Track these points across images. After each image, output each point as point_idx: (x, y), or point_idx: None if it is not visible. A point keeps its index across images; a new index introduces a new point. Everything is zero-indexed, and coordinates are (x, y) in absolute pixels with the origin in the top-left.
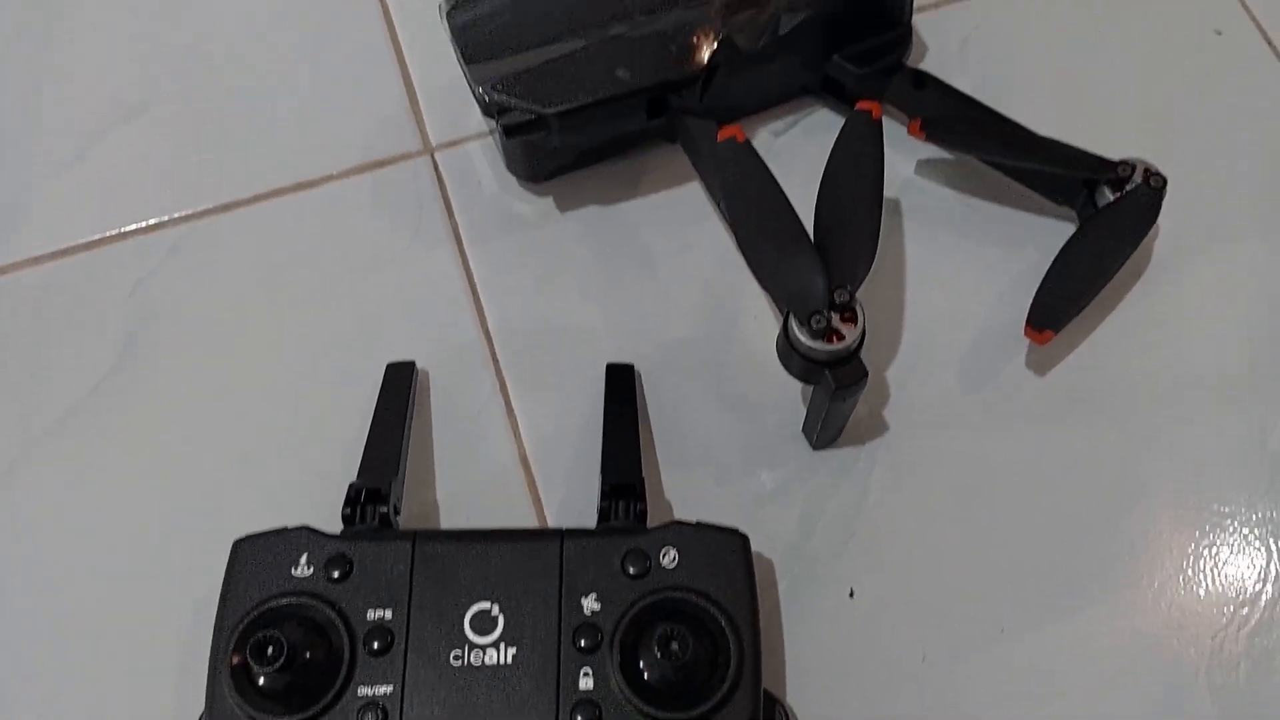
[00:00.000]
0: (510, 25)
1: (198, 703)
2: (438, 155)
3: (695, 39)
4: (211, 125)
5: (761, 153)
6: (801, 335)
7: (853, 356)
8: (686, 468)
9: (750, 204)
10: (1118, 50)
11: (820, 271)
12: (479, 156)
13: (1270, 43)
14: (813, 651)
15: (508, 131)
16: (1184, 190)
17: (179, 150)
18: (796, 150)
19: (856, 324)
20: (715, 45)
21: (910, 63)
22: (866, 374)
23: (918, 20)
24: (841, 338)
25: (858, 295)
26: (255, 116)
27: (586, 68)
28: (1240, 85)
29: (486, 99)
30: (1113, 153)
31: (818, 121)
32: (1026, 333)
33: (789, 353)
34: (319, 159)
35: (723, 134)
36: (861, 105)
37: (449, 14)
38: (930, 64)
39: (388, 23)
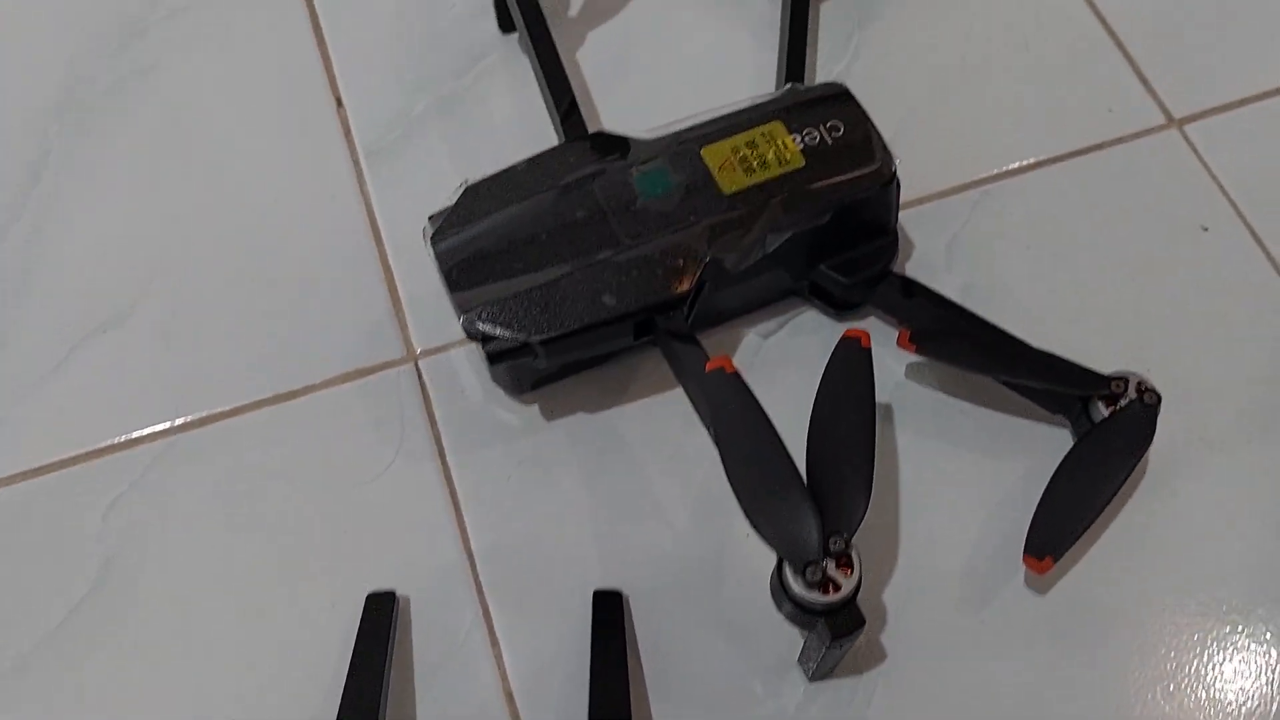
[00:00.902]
0: (494, 250)
1: None
2: (421, 362)
3: (681, 263)
4: (192, 334)
5: (749, 356)
6: (796, 585)
7: (849, 605)
8: (678, 700)
9: (740, 443)
10: (1105, 246)
11: (815, 517)
12: (463, 363)
13: (1256, 237)
14: None
15: (491, 359)
16: (1177, 394)
17: (159, 361)
18: (785, 353)
19: (853, 571)
20: (701, 268)
21: (898, 261)
22: (864, 623)
23: (904, 217)
24: (838, 587)
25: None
26: (238, 324)
27: (572, 294)
28: (1228, 282)
29: (470, 328)
30: (1104, 354)
31: (805, 322)
32: (1026, 561)
33: (782, 597)
34: (302, 367)
35: (711, 365)
36: (850, 333)
37: (433, 238)
38: (917, 263)
39: (373, 227)
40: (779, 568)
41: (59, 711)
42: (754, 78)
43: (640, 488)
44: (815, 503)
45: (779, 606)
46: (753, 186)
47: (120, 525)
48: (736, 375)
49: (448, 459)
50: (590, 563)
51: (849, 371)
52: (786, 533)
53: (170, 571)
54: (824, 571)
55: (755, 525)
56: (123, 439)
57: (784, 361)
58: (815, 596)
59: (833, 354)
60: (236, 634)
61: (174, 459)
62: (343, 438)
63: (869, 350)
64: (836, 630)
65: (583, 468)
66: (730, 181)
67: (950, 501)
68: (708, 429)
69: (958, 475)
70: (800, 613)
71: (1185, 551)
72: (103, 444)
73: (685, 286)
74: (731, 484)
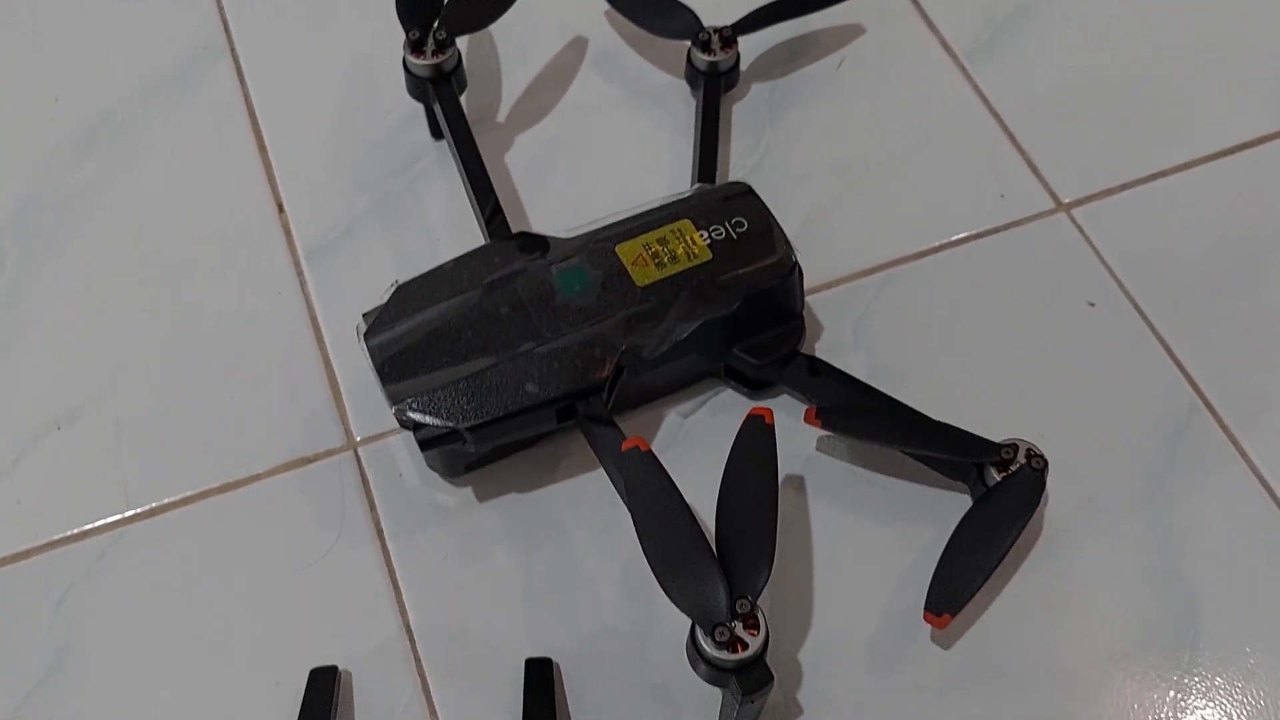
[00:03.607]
0: (423, 345)
1: None
2: (361, 450)
3: (599, 352)
4: (142, 428)
5: (671, 435)
6: (706, 645)
7: (758, 662)
8: None
9: (653, 516)
10: (999, 323)
11: (721, 583)
12: (400, 449)
13: (1140, 310)
14: None
15: (423, 445)
16: (1067, 461)
17: (110, 455)
18: (704, 431)
19: (759, 631)
20: (618, 356)
21: (807, 342)
22: (772, 679)
23: (813, 301)
24: (745, 646)
25: (759, 601)
26: (185, 418)
27: (497, 384)
28: (1113, 353)
29: (401, 417)
30: (999, 425)
31: (723, 401)
32: (926, 618)
33: (697, 659)
34: (246, 458)
35: (627, 444)
36: (755, 411)
37: (366, 334)
38: (825, 343)
39: (313, 322)
40: (692, 631)
41: None
42: (671, 174)
43: (569, 563)
44: (722, 570)
45: (695, 668)
46: (664, 280)
47: (72, 615)
48: (650, 453)
49: (387, 542)
50: (523, 634)
51: (754, 447)
52: (696, 598)
53: (122, 658)
54: (732, 632)
55: (668, 593)
56: (75, 531)
57: (703, 439)
58: (725, 656)
59: (739, 431)
60: (185, 716)
61: (124, 550)
62: (286, 524)
63: (772, 426)
64: (747, 687)
65: (515, 546)
66: (643, 275)
67: (860, 567)
68: (627, 505)
69: (866, 542)
70: (714, 672)
71: (1078, 608)
72: (56, 536)
73: (603, 374)
74: (646, 555)
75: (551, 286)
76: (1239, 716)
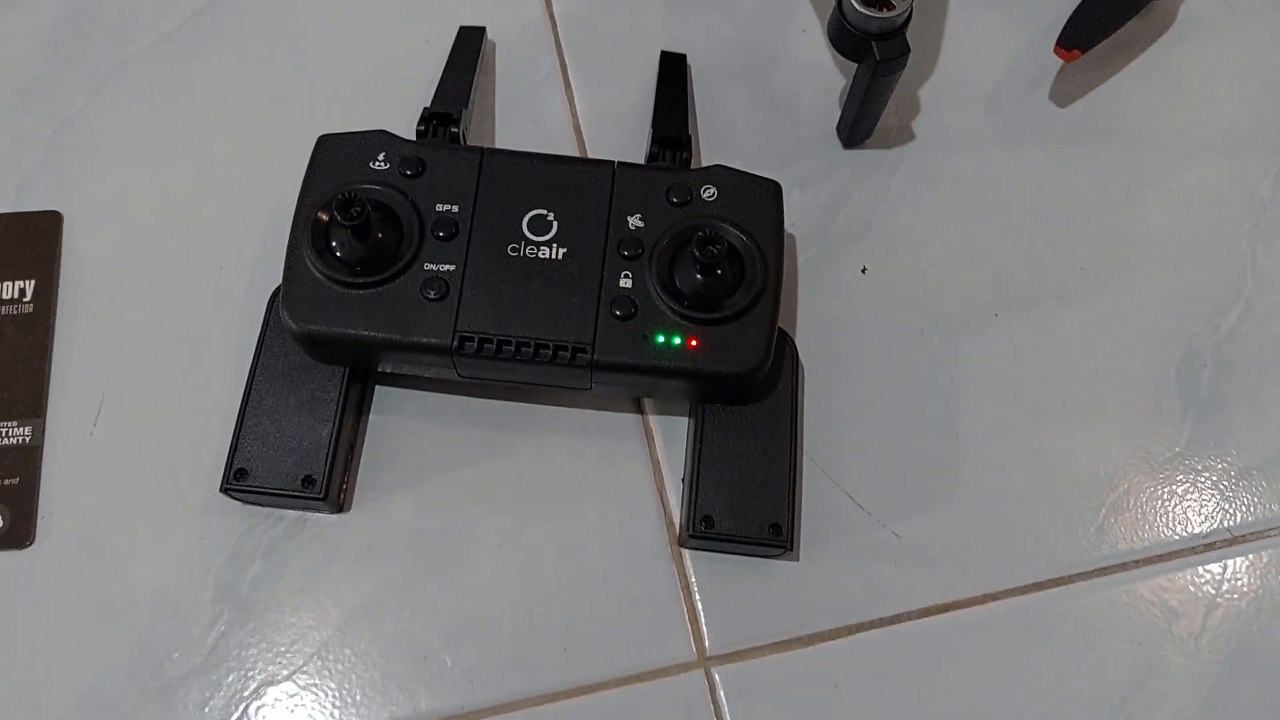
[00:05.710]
0: None
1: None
2: None
3: None
4: None
5: None
6: (855, 3)
7: (899, 31)
8: (724, 156)
9: None
10: None
11: None
12: None
13: None
14: (823, 314)
15: None
16: None
17: None
18: None
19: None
20: None
21: None
22: (909, 50)
23: None
24: (892, 8)
25: None
26: None
27: None
28: None
29: None
30: None
31: None
32: (1055, 51)
33: (840, 26)
34: None
35: None
36: None
37: None
38: None
39: None
40: (839, 5)
41: (170, 99)
42: None
43: None
44: None
45: (836, 40)
46: None
47: None
48: None
49: None
50: (658, 34)
51: None
52: None
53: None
54: None
55: None
56: None
57: None
58: (872, 14)
59: None
60: (343, 43)
61: None
62: None
63: None
64: (885, 53)
65: None
66: None
67: (992, 28)
68: None
69: (1002, 9)
70: (855, 39)
71: (1195, 93)
72: None
73: None
74: None
75: None
76: None
